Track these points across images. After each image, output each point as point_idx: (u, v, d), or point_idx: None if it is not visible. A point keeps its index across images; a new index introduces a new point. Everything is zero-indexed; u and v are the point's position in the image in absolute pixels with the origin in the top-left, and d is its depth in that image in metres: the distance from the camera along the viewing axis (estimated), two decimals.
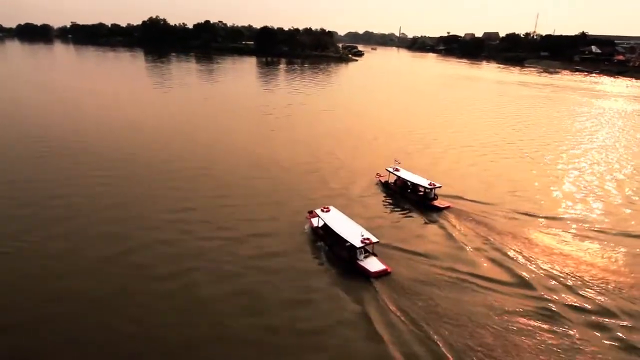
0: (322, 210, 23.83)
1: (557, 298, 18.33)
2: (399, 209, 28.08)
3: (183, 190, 28.52)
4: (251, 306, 17.31)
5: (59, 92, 66.16)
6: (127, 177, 30.71)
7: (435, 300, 17.75)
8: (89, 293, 17.64)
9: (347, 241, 20.84)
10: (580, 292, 18.85)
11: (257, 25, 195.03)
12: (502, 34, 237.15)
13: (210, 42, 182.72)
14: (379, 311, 17.09)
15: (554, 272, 20.36)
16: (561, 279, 19.81)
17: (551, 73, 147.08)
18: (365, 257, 20.58)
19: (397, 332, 15.85)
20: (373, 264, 20.04)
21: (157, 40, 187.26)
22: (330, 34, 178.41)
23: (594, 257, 21.98)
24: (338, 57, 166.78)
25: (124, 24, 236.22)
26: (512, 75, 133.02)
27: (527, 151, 42.71)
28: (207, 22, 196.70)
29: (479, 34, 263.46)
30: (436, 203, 28.58)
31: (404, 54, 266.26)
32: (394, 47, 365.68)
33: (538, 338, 15.90)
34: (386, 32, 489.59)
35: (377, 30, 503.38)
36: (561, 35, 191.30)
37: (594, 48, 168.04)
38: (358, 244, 20.03)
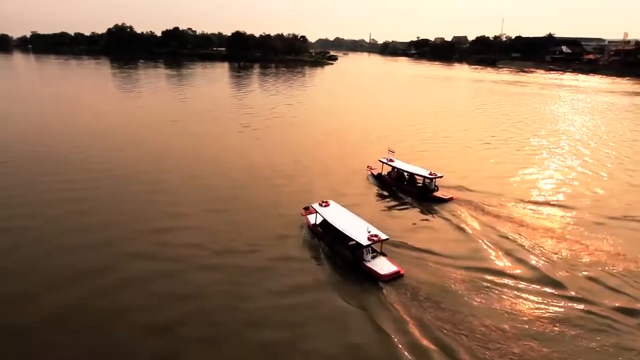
0: (321, 205, 21.18)
1: (593, 298, 15.88)
2: (397, 203, 25.94)
3: (164, 204, 23.92)
4: (247, 320, 14.47)
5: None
6: (97, 192, 25.52)
7: (460, 309, 14.94)
8: None
9: (351, 239, 18.37)
10: (622, 290, 16.50)
11: (227, 32, 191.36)
12: (470, 38, 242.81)
13: (180, 49, 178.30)
14: (394, 324, 14.21)
15: (582, 266, 18.31)
16: (592, 274, 17.63)
17: (527, 72, 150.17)
18: (373, 257, 18.00)
19: (420, 351, 13.02)
20: (383, 265, 17.42)
21: (123, 47, 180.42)
22: (304, 38, 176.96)
23: (621, 246, 20.17)
24: (313, 60, 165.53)
25: (87, 33, 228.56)
26: (497, 76, 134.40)
27: (521, 143, 41.76)
28: (176, 29, 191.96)
29: (448, 38, 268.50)
30: (438, 194, 26.42)
31: (376, 58, 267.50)
32: (364, 53, 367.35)
33: (581, 344, 13.51)
34: (356, 38, 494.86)
35: (347, 36, 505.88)
36: (531, 37, 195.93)
37: (564, 48, 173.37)
38: (365, 242, 17.43)
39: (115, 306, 14.93)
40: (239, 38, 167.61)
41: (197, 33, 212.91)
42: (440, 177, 26.88)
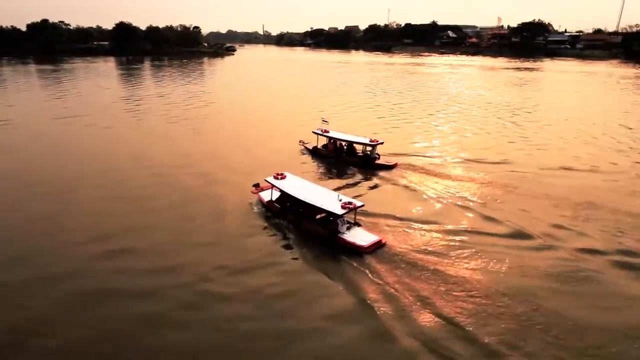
0: (277, 178, 19.54)
1: (559, 244, 16.56)
2: (342, 174, 25.37)
3: (88, 215, 19.07)
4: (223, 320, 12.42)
5: None
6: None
7: (449, 272, 14.37)
8: None
9: (321, 211, 17.16)
10: (581, 232, 17.53)
11: (107, 25, 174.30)
12: (361, 27, 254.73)
13: (52, 43, 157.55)
14: (384, 297, 13.17)
15: (537, 214, 19.27)
16: (549, 220, 18.57)
17: (424, 56, 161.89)
18: (348, 228, 17.02)
19: (413, 323, 12.05)
20: (362, 236, 16.42)
21: None
22: (198, 29, 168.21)
23: (563, 192, 21.85)
24: (212, 51, 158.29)
25: None
26: (402, 59, 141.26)
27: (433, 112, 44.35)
28: (45, 21, 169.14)
29: (340, 27, 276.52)
30: (382, 162, 26.35)
31: (274, 49, 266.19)
32: (259, 44, 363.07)
33: (558, 290, 13.64)
34: (249, 30, 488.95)
35: (239, 29, 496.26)
36: (418, 24, 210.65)
37: (450, 33, 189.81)
38: (339, 212, 16.30)
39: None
40: (125, 30, 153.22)
41: (72, 27, 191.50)
42: (382, 143, 26.78)
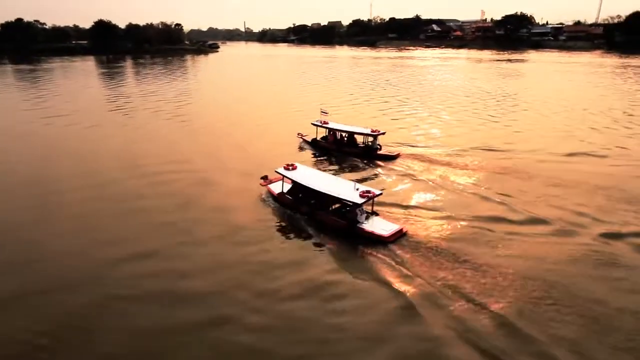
0: (287, 169, 19.07)
1: (579, 230, 16.43)
2: (345, 165, 25.09)
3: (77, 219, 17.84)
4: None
5: None
6: None
7: (473, 258, 14.18)
8: None
9: (337, 201, 16.80)
10: (599, 218, 17.37)
11: (85, 24, 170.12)
12: (344, 23, 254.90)
13: (28, 43, 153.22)
14: (414, 285, 12.87)
15: (552, 200, 19.29)
16: (567, 206, 18.53)
17: (410, 50, 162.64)
18: (367, 218, 16.70)
19: (446, 308, 11.88)
20: (382, 225, 16.15)
21: None
22: (180, 27, 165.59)
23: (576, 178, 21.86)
24: (196, 49, 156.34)
25: None
26: (388, 53, 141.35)
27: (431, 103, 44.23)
28: (20, 20, 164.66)
29: (323, 23, 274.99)
30: (384, 152, 26.11)
31: (257, 46, 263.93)
32: (241, 42, 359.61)
33: (581, 275, 13.54)
34: (231, 28, 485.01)
35: (220, 26, 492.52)
36: (402, 19, 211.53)
37: (435, 27, 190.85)
38: (359, 200, 15.93)
39: None
40: (104, 29, 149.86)
41: (48, 26, 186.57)
42: (383, 133, 26.50)
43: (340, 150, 27.49)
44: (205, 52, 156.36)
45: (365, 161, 25.50)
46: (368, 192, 16.27)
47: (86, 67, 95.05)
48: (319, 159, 26.77)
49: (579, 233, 16.23)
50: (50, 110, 41.73)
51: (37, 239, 16.28)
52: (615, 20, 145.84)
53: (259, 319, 11.76)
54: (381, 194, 16.71)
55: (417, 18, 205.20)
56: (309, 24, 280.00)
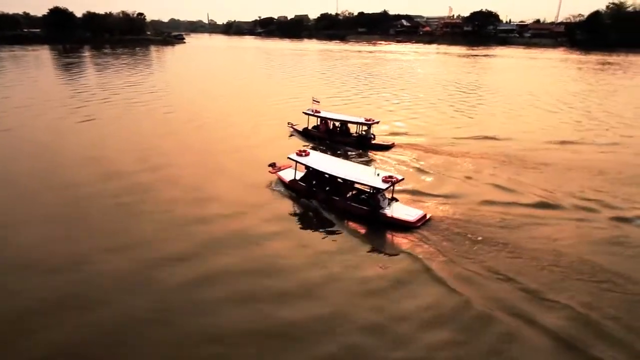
0: (300, 155, 18.77)
1: (590, 214, 17.05)
2: (338, 156, 24.40)
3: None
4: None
5: None
6: None
7: (500, 240, 14.57)
8: None
9: (353, 188, 16.90)
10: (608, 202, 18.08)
11: (35, 12, 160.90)
12: (311, 16, 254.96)
13: None
14: (447, 267, 13.14)
15: (556, 183, 20.11)
16: (573, 191, 19.29)
17: (383, 44, 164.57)
18: (388, 204, 16.74)
19: (480, 287, 12.26)
20: (406, 211, 16.25)
21: None
22: (143, 16, 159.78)
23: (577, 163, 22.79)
24: (161, 39, 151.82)
25: None
26: (369, 47, 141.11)
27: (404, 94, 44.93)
28: None
29: (289, 16, 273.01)
30: (378, 142, 26.17)
31: (223, 38, 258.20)
32: (205, 34, 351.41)
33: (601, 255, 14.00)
34: (194, 19, 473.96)
35: (183, 17, 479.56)
36: (372, 13, 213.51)
37: (404, 22, 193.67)
38: (382, 185, 15.94)
39: None
40: (60, 16, 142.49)
41: None
42: (377, 122, 26.46)
43: (333, 139, 27.26)
44: (172, 43, 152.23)
45: (360, 151, 25.48)
46: (390, 177, 16.30)
47: (43, 57, 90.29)
48: (312, 148, 26.33)
49: (591, 214, 16.97)
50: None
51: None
52: (577, 19, 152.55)
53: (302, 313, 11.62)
54: (403, 179, 16.80)
55: (385, 13, 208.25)
56: (275, 17, 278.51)
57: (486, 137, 28.21)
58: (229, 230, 15.64)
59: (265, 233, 15.51)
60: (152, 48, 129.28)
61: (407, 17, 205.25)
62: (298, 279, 12.78)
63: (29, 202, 17.76)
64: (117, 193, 18.67)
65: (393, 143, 26.22)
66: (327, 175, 17.46)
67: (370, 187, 16.22)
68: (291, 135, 29.12)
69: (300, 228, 16.31)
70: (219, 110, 37.61)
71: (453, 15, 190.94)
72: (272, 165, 20.01)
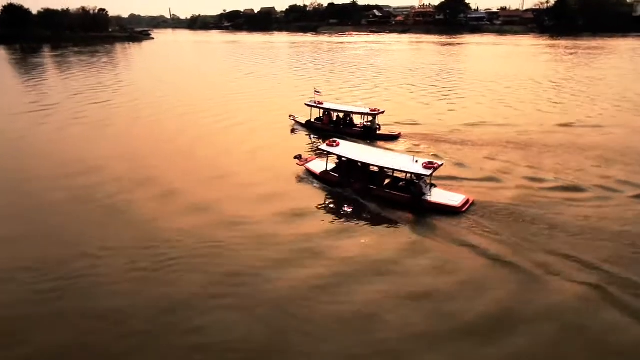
0: (331, 145, 18.83)
1: (609, 193, 17.69)
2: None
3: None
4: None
5: None
6: None
7: (548, 221, 15.12)
8: None
9: (387, 175, 17.29)
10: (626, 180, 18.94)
11: None
12: (278, 9, 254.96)
13: None
14: (503, 247, 13.58)
15: (571, 165, 20.92)
16: (588, 170, 20.18)
17: (357, 35, 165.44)
18: (430, 190, 17.01)
19: (550, 266, 12.69)
20: (449, 196, 16.58)
21: None
22: (105, 12, 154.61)
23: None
24: (128, 36, 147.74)
25: None
26: (346, 38, 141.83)
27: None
28: None
29: (256, 9, 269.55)
30: (385, 132, 26.25)
31: (188, 33, 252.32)
32: (168, 29, 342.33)
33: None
34: (155, 15, 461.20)
35: (144, 12, 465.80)
36: (343, 4, 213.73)
37: (376, 12, 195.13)
38: (426, 172, 16.17)
39: None
40: (16, 13, 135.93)
41: None
42: (382, 112, 26.46)
43: (337, 131, 26.99)
44: (139, 40, 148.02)
45: (366, 142, 25.29)
46: (431, 163, 16.56)
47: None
48: (315, 141, 26.33)
49: (614, 194, 17.69)
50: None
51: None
52: (545, 6, 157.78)
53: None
54: (443, 164, 17.07)
55: (355, 3, 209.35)
56: (242, 10, 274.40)
57: (485, 124, 28.94)
58: (277, 226, 15.57)
59: (320, 227, 15.56)
60: (118, 46, 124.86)
61: (377, 7, 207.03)
62: (373, 267, 12.92)
63: None
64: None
65: (400, 133, 26.36)
66: (365, 165, 17.61)
67: (413, 174, 16.45)
68: (293, 129, 29.02)
69: (342, 219, 16.30)
70: (217, 110, 36.32)
71: (424, 4, 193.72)
72: (299, 157, 20.01)
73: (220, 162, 22.62)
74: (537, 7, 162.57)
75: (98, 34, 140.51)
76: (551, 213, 15.84)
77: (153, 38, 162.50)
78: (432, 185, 17.30)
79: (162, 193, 18.39)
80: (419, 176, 16.40)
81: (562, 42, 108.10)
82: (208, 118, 32.42)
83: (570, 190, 18.05)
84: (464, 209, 15.87)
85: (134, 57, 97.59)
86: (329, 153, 18.77)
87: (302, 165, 19.93)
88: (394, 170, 17.12)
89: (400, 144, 25.08)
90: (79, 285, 12.10)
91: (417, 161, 16.79)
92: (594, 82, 47.14)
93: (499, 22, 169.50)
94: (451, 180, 19.01)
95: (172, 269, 12.77)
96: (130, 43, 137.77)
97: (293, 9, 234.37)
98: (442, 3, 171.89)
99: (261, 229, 15.20)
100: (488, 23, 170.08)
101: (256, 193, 18.27)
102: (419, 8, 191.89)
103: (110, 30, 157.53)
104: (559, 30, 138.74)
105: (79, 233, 15.04)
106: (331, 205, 17.41)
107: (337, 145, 19.04)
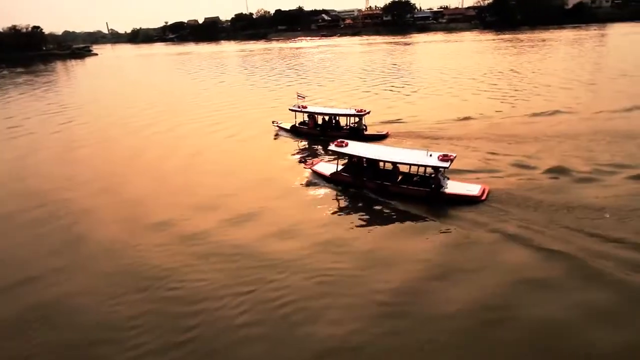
0: (340, 146, 18.99)
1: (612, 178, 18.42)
2: None
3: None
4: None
5: None
6: None
7: (570, 204, 15.80)
8: None
9: (400, 171, 17.72)
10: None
11: None
12: (222, 18, 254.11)
13: None
14: (526, 232, 14.20)
15: (570, 152, 21.88)
16: (586, 156, 21.11)
17: (311, 40, 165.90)
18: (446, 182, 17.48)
19: (574, 245, 13.37)
20: (466, 187, 17.15)
21: None
22: (41, 30, 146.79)
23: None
24: (69, 54, 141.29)
25: None
26: (300, 44, 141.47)
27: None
28: None
29: (200, 20, 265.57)
30: (372, 132, 26.59)
31: (131, 47, 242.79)
32: (107, 44, 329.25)
33: None
34: (91, 30, 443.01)
35: (79, 29, 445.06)
36: (290, 10, 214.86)
37: (325, 16, 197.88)
38: (444, 165, 16.60)
39: None
40: None
41: None
42: (368, 113, 26.68)
43: (324, 134, 27.06)
44: (82, 57, 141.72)
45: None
46: (446, 155, 17.05)
47: None
48: (302, 146, 26.29)
49: (611, 176, 18.60)
50: None
51: None
52: (485, 3, 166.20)
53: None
54: (456, 156, 17.54)
55: (301, 9, 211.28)
56: (185, 21, 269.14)
57: (466, 118, 29.67)
58: (300, 230, 15.59)
59: (342, 229, 15.64)
60: (61, 64, 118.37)
61: (324, 12, 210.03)
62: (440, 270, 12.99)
63: None
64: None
65: (387, 132, 26.66)
66: (376, 162, 17.95)
67: (432, 167, 16.94)
68: (277, 135, 28.78)
69: (371, 218, 16.44)
70: (193, 125, 35.46)
71: (370, 7, 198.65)
72: (304, 161, 20.10)
73: (219, 182, 21.24)
74: (478, 5, 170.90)
75: (35, 52, 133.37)
76: (560, 196, 16.63)
77: (97, 54, 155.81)
78: (447, 178, 17.86)
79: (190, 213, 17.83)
80: (437, 169, 16.86)
81: (507, 36, 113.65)
82: (186, 136, 30.80)
83: (558, 172, 19.04)
84: (483, 198, 16.44)
85: (82, 74, 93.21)
86: (341, 154, 18.91)
87: (309, 168, 19.99)
88: (411, 165, 17.51)
89: (387, 143, 25.23)
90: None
91: (431, 155, 17.24)
92: (565, 72, 49.60)
93: (444, 21, 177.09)
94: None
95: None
96: (73, 60, 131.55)
97: (239, 17, 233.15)
98: (388, 4, 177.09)
99: (308, 240, 14.99)
100: (434, 22, 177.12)
101: (273, 206, 17.77)
102: (365, 11, 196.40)
103: (45, 48, 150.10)
104: (501, 25, 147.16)
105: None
106: (355, 206, 17.46)
107: (346, 145, 19.23)
